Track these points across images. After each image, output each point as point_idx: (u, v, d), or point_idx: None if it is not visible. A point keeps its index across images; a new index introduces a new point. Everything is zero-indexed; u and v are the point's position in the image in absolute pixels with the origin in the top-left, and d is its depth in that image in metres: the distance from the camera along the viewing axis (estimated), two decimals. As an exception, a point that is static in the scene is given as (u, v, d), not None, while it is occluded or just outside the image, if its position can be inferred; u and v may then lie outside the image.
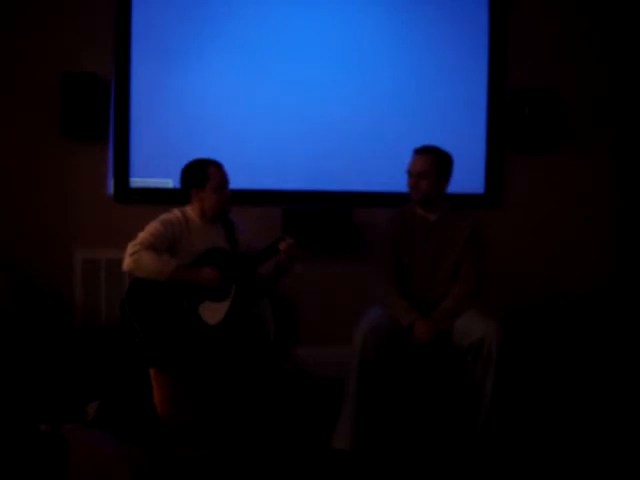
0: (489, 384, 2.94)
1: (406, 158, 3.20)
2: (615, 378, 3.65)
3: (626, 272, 4.17)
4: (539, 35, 4.15)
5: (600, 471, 2.83)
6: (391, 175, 3.63)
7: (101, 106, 3.85)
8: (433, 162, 3.14)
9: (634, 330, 3.86)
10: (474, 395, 2.98)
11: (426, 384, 3.17)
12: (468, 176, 4.00)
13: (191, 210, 3.13)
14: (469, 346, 2.96)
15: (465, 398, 3.03)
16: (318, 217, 3.93)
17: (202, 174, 3.09)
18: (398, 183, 3.29)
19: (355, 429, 2.98)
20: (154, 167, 3.96)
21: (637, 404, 3.41)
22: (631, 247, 4.17)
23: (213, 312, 2.99)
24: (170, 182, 3.92)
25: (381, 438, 3.08)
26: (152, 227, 3.00)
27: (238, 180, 3.26)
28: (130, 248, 2.95)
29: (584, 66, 4.18)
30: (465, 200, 3.96)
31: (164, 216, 3.07)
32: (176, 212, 3.10)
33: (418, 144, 3.20)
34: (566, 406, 3.47)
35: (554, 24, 4.16)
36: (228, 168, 3.16)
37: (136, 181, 3.98)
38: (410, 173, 3.16)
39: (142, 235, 2.98)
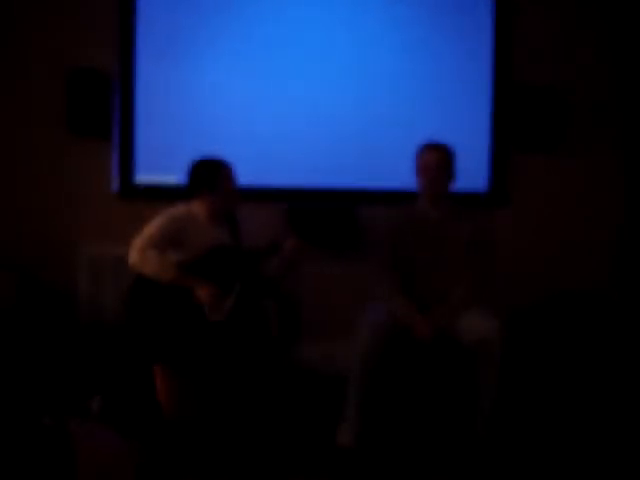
0: (492, 382, 2.95)
1: (411, 155, 3.21)
2: (616, 377, 3.66)
3: (626, 271, 4.19)
4: (541, 34, 4.15)
5: (601, 471, 2.84)
6: (396, 172, 3.63)
7: (106, 102, 3.84)
8: (448, 157, 3.16)
9: (634, 329, 3.87)
10: (477, 393, 2.99)
11: (428, 382, 3.17)
12: (471, 174, 4.00)
13: (197, 206, 3.12)
14: (472, 344, 2.97)
15: (468, 396, 3.05)
16: (322, 215, 3.93)
17: (213, 178, 3.07)
18: (402, 180, 3.29)
19: (358, 426, 2.99)
20: (159, 163, 3.95)
21: (638, 403, 3.43)
22: (631, 247, 4.19)
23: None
24: (175, 178, 3.92)
25: (385, 435, 3.10)
26: (157, 222, 3.01)
27: (242, 176, 3.25)
28: (136, 244, 2.96)
29: (584, 66, 4.19)
30: (468, 198, 3.96)
31: (169, 211, 3.08)
32: (181, 207, 3.11)
33: (423, 141, 3.21)
34: (568, 405, 3.47)
35: (554, 23, 4.17)
36: (232, 164, 3.16)
37: (141, 177, 3.98)
38: (428, 168, 3.15)
39: (147, 230, 2.98)
